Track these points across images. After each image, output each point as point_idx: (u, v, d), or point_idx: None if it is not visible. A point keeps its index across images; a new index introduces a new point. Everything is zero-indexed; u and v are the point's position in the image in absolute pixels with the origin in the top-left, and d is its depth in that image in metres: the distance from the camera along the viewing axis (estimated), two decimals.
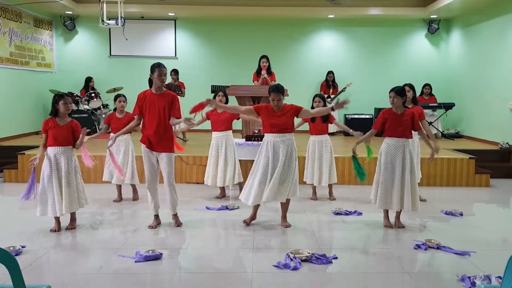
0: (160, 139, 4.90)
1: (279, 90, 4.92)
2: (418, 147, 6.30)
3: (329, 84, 11.71)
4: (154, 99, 4.89)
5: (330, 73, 11.74)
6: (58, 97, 4.90)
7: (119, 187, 6.36)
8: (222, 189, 6.58)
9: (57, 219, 4.95)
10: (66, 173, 4.86)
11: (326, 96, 11.60)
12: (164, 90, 4.98)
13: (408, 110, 5.11)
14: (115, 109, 6.33)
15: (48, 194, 4.84)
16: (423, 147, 6.27)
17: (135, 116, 5.06)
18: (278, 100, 4.91)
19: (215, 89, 10.83)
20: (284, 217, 5.20)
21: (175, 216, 5.18)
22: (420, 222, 5.48)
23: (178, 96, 10.13)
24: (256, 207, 5.19)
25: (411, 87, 6.15)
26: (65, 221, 5.07)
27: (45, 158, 4.91)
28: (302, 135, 7.83)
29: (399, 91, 5.04)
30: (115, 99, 6.31)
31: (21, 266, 2.24)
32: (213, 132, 6.36)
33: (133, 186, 6.40)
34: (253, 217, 5.24)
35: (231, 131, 6.36)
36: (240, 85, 7.87)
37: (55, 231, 4.93)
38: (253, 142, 6.69)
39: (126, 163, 6.18)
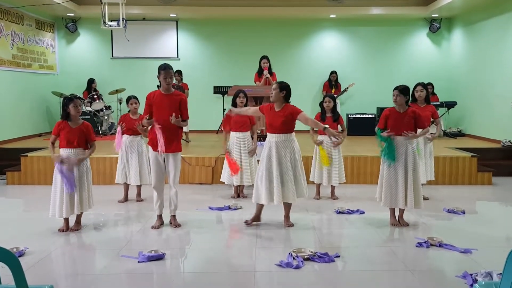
0: (167, 139, 4.90)
1: (279, 86, 5.01)
2: (431, 146, 6.28)
3: (332, 84, 11.70)
4: (162, 99, 4.91)
5: (333, 73, 11.72)
6: (68, 100, 4.93)
7: (126, 187, 6.38)
8: (236, 188, 6.61)
9: (66, 220, 4.99)
10: (77, 175, 4.89)
11: None
12: (173, 91, 5.01)
13: (410, 108, 5.10)
14: (129, 111, 6.36)
15: (59, 196, 4.87)
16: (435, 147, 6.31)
17: (146, 117, 4.99)
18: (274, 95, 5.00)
19: (217, 90, 10.90)
20: (287, 216, 5.21)
21: (174, 217, 5.20)
22: (422, 220, 5.48)
23: None
24: (260, 208, 5.20)
25: (424, 86, 6.13)
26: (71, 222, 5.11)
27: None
28: (305, 135, 7.84)
29: (402, 90, 5.04)
30: (127, 101, 6.34)
31: (25, 267, 2.26)
32: (232, 132, 6.42)
33: (139, 188, 6.42)
34: (255, 218, 5.24)
35: (249, 132, 6.46)
36: (242, 86, 7.87)
37: (63, 231, 4.96)
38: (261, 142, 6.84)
39: (141, 164, 6.20)
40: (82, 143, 4.95)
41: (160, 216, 5.19)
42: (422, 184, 6.23)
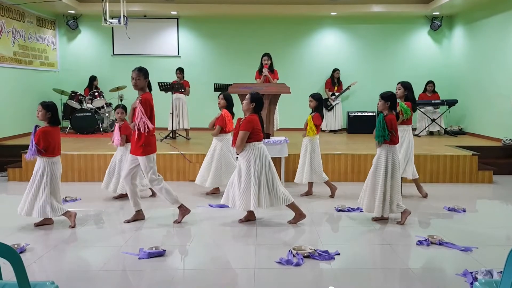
0: (133, 141, 5.03)
1: (251, 97, 5.05)
2: (411, 142, 6.29)
3: (334, 81, 11.71)
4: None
5: (336, 70, 11.73)
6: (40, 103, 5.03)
7: None
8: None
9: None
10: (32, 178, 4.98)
11: (330, 93, 11.61)
12: (144, 92, 5.01)
13: (388, 117, 5.05)
14: (115, 119, 6.45)
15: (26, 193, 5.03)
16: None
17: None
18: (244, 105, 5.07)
19: (218, 88, 10.89)
20: (294, 216, 5.23)
21: (179, 209, 5.22)
22: (422, 218, 5.48)
23: (183, 95, 10.12)
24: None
25: (403, 85, 6.12)
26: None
27: None
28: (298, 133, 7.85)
29: (384, 96, 5.13)
30: (114, 109, 6.47)
31: (26, 263, 2.27)
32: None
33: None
34: (248, 216, 5.28)
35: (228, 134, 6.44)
36: (242, 83, 7.88)
37: (36, 224, 5.09)
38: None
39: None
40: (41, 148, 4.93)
41: (137, 212, 5.26)
42: (415, 180, 6.34)
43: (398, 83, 6.20)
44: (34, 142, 4.85)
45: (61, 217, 5.21)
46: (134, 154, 5.04)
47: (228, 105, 6.37)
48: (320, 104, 6.37)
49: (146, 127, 4.84)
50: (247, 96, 5.06)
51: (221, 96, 6.42)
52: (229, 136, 6.27)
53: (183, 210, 5.22)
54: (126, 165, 5.22)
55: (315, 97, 6.35)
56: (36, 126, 4.95)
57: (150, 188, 6.38)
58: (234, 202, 5.05)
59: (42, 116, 4.96)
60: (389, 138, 4.99)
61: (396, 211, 5.10)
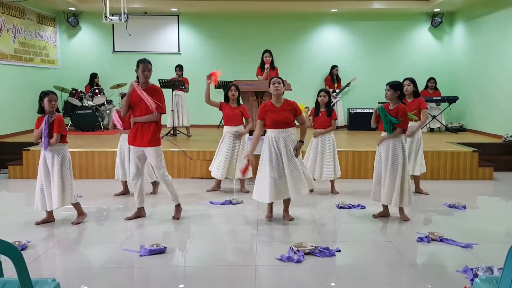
0: (144, 133, 4.95)
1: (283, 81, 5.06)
2: (420, 140, 6.32)
3: (334, 78, 11.70)
4: (139, 93, 4.90)
5: (335, 67, 11.72)
6: (44, 94, 4.94)
7: (125, 182, 6.39)
8: (218, 182, 6.64)
9: (48, 212, 5.05)
10: (52, 170, 4.93)
11: (331, 90, 11.61)
12: (149, 85, 4.99)
13: (400, 106, 5.06)
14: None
15: (39, 188, 4.98)
16: (427, 141, 6.28)
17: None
18: (278, 84, 4.94)
19: (218, 85, 10.87)
20: (286, 210, 5.23)
21: (176, 208, 5.24)
22: (423, 215, 5.49)
23: (182, 92, 10.12)
24: (271, 205, 5.23)
25: (412, 81, 6.16)
26: (69, 215, 5.13)
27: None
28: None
29: (393, 85, 5.08)
30: (121, 98, 6.43)
31: (27, 260, 2.27)
32: (225, 127, 6.50)
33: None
34: (271, 212, 5.27)
35: (242, 126, 6.48)
36: (243, 80, 7.87)
37: (38, 223, 5.03)
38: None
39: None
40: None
41: (139, 209, 5.27)
42: (416, 176, 6.32)
43: (405, 79, 6.16)
44: (55, 131, 4.86)
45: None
46: (151, 146, 4.96)
47: (238, 96, 6.47)
48: (330, 99, 6.45)
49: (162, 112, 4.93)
50: (278, 80, 4.96)
51: (234, 88, 6.46)
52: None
53: (179, 208, 5.29)
54: (132, 163, 5.14)
55: (329, 92, 6.42)
56: (48, 116, 4.90)
57: (152, 183, 6.42)
58: (286, 191, 4.95)
59: (57, 105, 4.98)
60: (401, 123, 4.97)
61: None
